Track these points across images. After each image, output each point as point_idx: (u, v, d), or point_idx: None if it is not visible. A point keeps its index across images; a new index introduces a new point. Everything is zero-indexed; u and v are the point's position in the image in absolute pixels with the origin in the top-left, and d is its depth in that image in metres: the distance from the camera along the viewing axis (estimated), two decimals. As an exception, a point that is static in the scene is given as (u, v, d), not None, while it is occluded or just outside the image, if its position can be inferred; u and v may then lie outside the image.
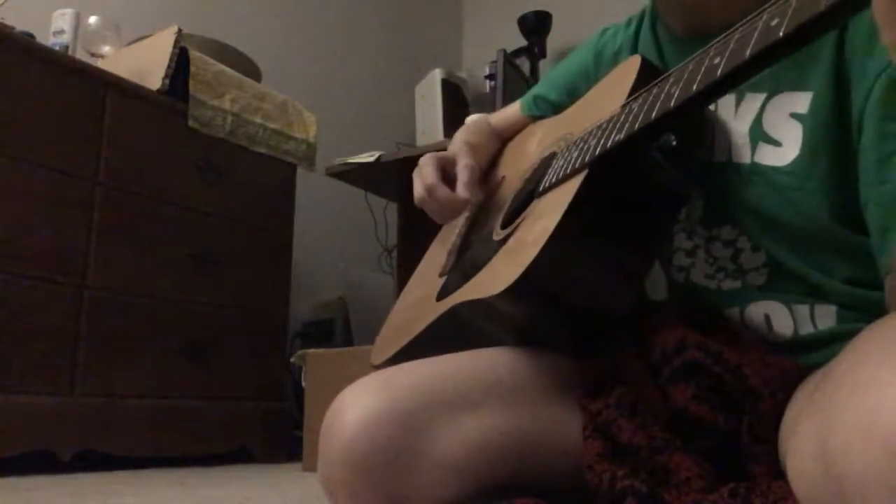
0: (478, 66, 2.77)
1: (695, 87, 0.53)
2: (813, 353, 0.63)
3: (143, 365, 1.82)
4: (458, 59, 3.62)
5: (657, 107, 0.57)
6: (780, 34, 0.45)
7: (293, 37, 2.90)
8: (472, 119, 1.06)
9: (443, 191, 0.84)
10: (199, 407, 1.93)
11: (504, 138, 1.03)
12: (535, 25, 2.79)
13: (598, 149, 0.63)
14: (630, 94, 0.66)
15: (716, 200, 0.69)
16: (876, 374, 0.39)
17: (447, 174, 0.88)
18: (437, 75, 2.49)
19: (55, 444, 1.62)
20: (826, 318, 0.64)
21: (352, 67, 3.14)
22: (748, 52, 0.48)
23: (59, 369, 1.65)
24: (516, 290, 0.62)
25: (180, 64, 1.93)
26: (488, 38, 3.28)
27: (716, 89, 0.53)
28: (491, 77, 2.52)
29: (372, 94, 3.18)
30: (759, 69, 0.50)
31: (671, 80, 0.58)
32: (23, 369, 1.59)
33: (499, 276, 0.66)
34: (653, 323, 0.66)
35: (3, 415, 1.53)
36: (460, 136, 0.99)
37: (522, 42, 2.80)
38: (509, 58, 2.50)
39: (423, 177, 0.86)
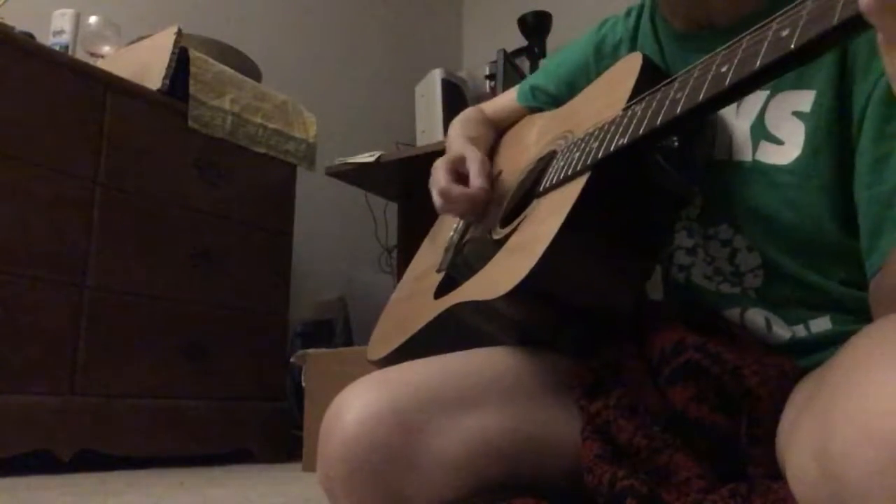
0: (478, 66, 2.76)
1: (701, 95, 0.52)
2: (813, 354, 0.63)
3: (142, 365, 1.82)
4: (458, 59, 3.62)
5: (662, 112, 0.57)
6: (792, 47, 0.44)
7: (293, 37, 2.90)
8: (466, 112, 1.05)
9: (457, 190, 0.84)
10: (199, 407, 1.93)
11: (500, 129, 1.02)
12: (535, 25, 2.79)
13: (601, 151, 0.62)
14: (632, 95, 0.65)
15: (714, 199, 0.68)
16: (875, 375, 0.39)
17: (460, 175, 0.87)
18: (437, 75, 2.49)
19: (55, 444, 1.62)
20: (821, 325, 0.64)
21: (352, 67, 3.14)
22: (758, 62, 0.47)
23: (59, 369, 1.65)
24: (519, 292, 0.61)
25: (180, 64, 1.93)
26: (488, 38, 3.28)
27: (723, 98, 0.52)
28: (491, 77, 2.53)
29: (372, 94, 3.18)
30: (768, 79, 0.50)
31: (676, 85, 0.57)
32: (23, 369, 1.58)
33: (500, 278, 0.65)
34: (652, 323, 0.66)
35: (3, 415, 1.53)
36: (458, 130, 0.98)
37: (522, 42, 2.79)
38: (509, 58, 2.50)
39: (435, 183, 0.86)
